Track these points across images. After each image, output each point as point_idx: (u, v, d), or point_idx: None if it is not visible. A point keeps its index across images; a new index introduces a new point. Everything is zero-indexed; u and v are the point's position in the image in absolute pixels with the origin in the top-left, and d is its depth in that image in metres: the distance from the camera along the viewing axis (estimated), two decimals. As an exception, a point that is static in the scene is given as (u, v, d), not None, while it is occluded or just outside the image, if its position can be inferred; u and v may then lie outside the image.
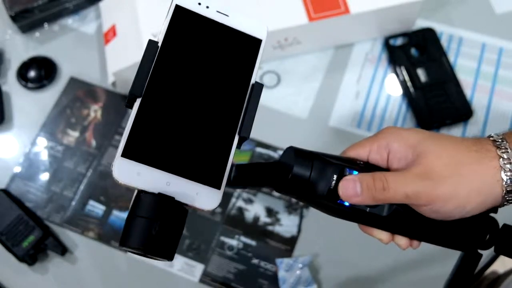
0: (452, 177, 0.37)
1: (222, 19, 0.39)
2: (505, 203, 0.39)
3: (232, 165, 0.38)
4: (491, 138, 0.39)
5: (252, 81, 0.39)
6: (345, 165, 0.39)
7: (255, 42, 0.40)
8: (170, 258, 0.34)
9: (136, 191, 0.35)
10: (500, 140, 0.39)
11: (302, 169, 0.39)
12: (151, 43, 0.36)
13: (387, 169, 0.40)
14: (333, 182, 0.39)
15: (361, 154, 0.41)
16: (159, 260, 0.35)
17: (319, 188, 0.39)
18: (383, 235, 0.42)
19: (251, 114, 0.38)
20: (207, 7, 0.39)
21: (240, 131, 0.37)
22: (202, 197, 0.35)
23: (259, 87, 0.39)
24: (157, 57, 0.36)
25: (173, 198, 0.34)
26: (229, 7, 0.40)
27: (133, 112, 0.35)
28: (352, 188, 0.38)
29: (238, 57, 0.39)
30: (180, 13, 0.38)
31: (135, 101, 0.35)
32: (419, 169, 0.38)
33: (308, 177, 0.38)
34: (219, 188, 0.36)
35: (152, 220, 0.33)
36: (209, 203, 0.36)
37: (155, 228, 0.33)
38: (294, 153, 0.39)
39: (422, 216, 0.39)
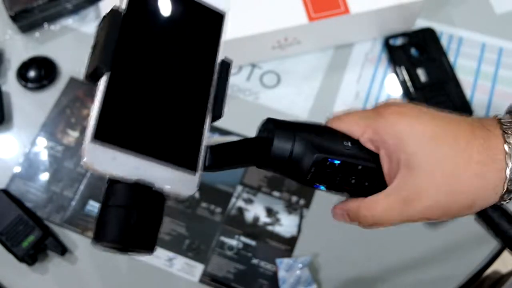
0: (444, 198, 0.35)
1: None
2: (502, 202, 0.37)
3: (206, 147, 0.36)
4: (503, 137, 0.35)
5: (219, 58, 0.37)
6: (328, 149, 0.37)
7: (218, 17, 0.38)
8: (151, 250, 0.32)
9: (108, 179, 0.32)
10: None
11: (283, 143, 0.36)
12: (114, 13, 0.33)
13: (377, 157, 0.37)
14: (313, 170, 0.36)
15: (354, 132, 0.38)
16: (139, 253, 0.32)
17: (301, 167, 0.36)
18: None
19: (222, 92, 0.36)
20: None
21: (214, 110, 0.36)
22: (179, 182, 0.33)
23: (227, 64, 0.37)
24: (121, 27, 0.33)
25: (152, 184, 0.32)
26: None
27: (101, 88, 0.31)
28: (342, 217, 0.39)
29: (203, 32, 0.37)
30: None
31: (101, 75, 0.32)
32: (406, 193, 0.35)
33: (289, 154, 0.36)
34: (195, 170, 0.34)
35: (130, 208, 0.31)
36: (186, 188, 0.34)
37: (133, 217, 0.31)
38: (274, 125, 0.37)
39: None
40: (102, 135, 0.30)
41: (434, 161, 0.35)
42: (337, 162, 0.37)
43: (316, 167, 0.37)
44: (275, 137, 0.36)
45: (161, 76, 0.34)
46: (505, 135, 0.35)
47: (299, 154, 0.36)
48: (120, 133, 0.31)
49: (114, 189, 0.31)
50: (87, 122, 0.31)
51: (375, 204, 0.36)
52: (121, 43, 0.32)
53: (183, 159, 0.34)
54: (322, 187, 0.38)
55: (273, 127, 0.37)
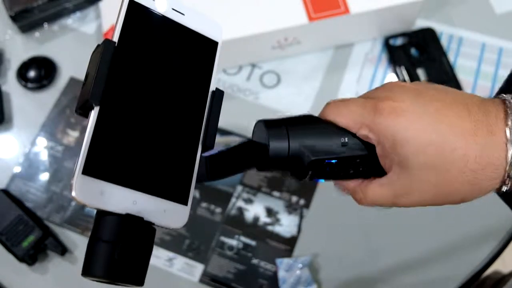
0: (433, 198, 0.36)
1: (178, 17, 0.36)
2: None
3: (202, 158, 0.36)
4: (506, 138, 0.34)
5: (212, 87, 0.36)
6: (324, 150, 0.36)
7: (212, 45, 0.37)
8: (139, 283, 0.31)
9: (96, 212, 0.31)
10: None
11: (279, 142, 0.36)
12: (108, 43, 0.32)
13: (373, 146, 0.37)
14: (310, 173, 0.36)
15: (351, 128, 0.37)
16: (128, 287, 0.31)
17: (299, 166, 0.36)
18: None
19: (213, 122, 0.36)
20: (162, 3, 0.35)
21: (204, 141, 0.35)
22: (170, 215, 0.33)
23: (220, 94, 0.36)
24: (112, 59, 0.32)
25: (142, 218, 0.31)
26: (187, 4, 0.36)
27: (91, 122, 0.31)
28: (341, 190, 0.40)
29: (196, 60, 0.36)
30: (134, 9, 0.34)
31: (91, 109, 0.31)
32: (396, 187, 0.36)
33: (287, 152, 0.36)
34: (186, 203, 0.34)
35: (118, 243, 0.30)
36: (177, 220, 0.33)
37: (122, 252, 0.30)
38: (265, 126, 0.37)
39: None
40: (91, 169, 0.30)
41: (427, 167, 0.35)
42: (334, 161, 0.37)
43: (314, 169, 0.37)
44: (269, 137, 0.36)
45: (153, 109, 0.33)
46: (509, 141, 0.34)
47: (297, 151, 0.36)
48: (109, 168, 0.31)
49: (103, 222, 0.31)
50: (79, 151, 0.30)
51: (370, 190, 0.38)
52: (112, 75, 0.32)
53: (174, 192, 0.33)
54: (322, 180, 0.39)
55: (264, 128, 0.37)
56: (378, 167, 0.37)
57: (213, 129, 0.36)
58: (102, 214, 0.31)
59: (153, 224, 0.32)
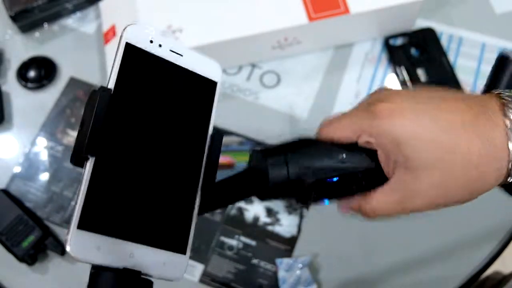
0: (439, 199, 0.35)
1: (175, 59, 0.35)
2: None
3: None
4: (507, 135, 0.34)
5: (210, 130, 0.35)
6: (323, 170, 0.36)
7: (211, 85, 0.36)
8: None
9: (91, 266, 0.30)
10: None
11: (278, 170, 0.35)
12: (104, 90, 0.31)
13: (375, 153, 0.37)
14: (314, 194, 0.36)
15: (349, 138, 0.37)
16: None
17: (301, 190, 0.36)
18: None
19: (213, 168, 0.35)
20: (160, 45, 0.34)
21: (203, 185, 0.34)
22: (169, 266, 0.32)
23: (219, 137, 0.36)
24: (109, 108, 0.31)
25: (139, 272, 0.30)
26: (183, 45, 0.36)
27: (87, 174, 0.30)
28: (346, 211, 0.39)
29: (195, 102, 0.35)
30: (131, 52, 0.33)
31: (87, 160, 0.30)
32: (402, 193, 0.36)
33: (287, 177, 0.35)
34: (184, 253, 0.33)
35: None
36: (175, 271, 0.32)
37: None
38: (262, 155, 0.36)
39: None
40: (87, 223, 0.29)
41: (431, 166, 0.34)
42: (335, 179, 0.36)
43: (316, 190, 0.36)
44: (268, 165, 0.35)
45: (151, 156, 0.33)
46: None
47: (297, 176, 0.36)
48: (106, 220, 0.30)
49: (99, 278, 0.29)
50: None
51: (374, 201, 0.37)
52: (108, 124, 0.31)
53: (172, 242, 0.33)
54: (326, 202, 0.39)
55: (261, 157, 0.36)
56: (381, 178, 0.37)
57: (212, 175, 0.35)
58: (98, 269, 0.29)
59: (151, 276, 0.31)
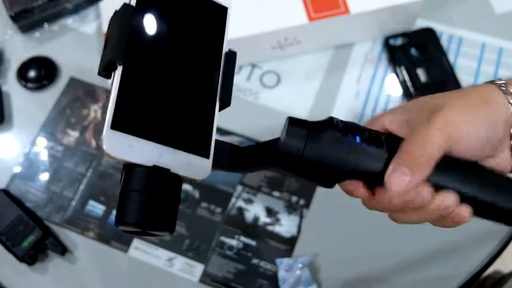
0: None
1: None
2: None
3: (230, 146, 0.38)
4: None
5: (225, 49, 0.38)
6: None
7: (223, 10, 0.39)
8: (171, 230, 0.33)
9: (123, 165, 0.33)
10: None
11: (293, 140, 0.35)
12: (125, 7, 0.34)
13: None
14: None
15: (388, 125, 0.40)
16: (159, 235, 0.33)
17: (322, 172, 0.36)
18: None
19: (229, 81, 0.38)
20: None
21: (222, 98, 0.37)
22: (193, 167, 0.35)
23: (233, 55, 0.39)
24: (131, 21, 0.34)
25: (168, 169, 0.33)
26: None
27: (116, 80, 0.33)
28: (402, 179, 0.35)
29: (209, 24, 0.38)
30: None
31: (115, 68, 0.33)
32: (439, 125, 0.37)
33: (301, 153, 0.35)
34: (208, 157, 0.36)
35: (149, 191, 0.32)
36: (200, 173, 0.35)
37: (153, 200, 0.32)
38: (289, 122, 0.36)
39: None
40: (119, 124, 0.32)
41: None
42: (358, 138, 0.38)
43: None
44: (287, 133, 0.35)
45: (172, 67, 0.35)
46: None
47: (312, 158, 0.35)
48: (135, 123, 0.33)
49: (132, 174, 0.32)
50: (105, 110, 0.33)
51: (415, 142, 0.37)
52: (132, 36, 0.34)
53: (196, 146, 0.35)
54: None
55: (288, 123, 0.36)
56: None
57: (229, 87, 0.38)
58: (130, 167, 0.32)
59: (179, 175, 0.34)
